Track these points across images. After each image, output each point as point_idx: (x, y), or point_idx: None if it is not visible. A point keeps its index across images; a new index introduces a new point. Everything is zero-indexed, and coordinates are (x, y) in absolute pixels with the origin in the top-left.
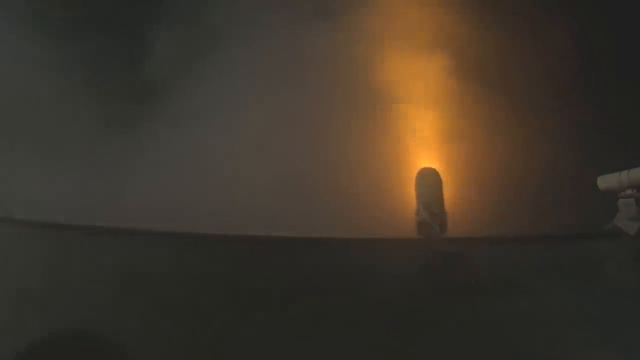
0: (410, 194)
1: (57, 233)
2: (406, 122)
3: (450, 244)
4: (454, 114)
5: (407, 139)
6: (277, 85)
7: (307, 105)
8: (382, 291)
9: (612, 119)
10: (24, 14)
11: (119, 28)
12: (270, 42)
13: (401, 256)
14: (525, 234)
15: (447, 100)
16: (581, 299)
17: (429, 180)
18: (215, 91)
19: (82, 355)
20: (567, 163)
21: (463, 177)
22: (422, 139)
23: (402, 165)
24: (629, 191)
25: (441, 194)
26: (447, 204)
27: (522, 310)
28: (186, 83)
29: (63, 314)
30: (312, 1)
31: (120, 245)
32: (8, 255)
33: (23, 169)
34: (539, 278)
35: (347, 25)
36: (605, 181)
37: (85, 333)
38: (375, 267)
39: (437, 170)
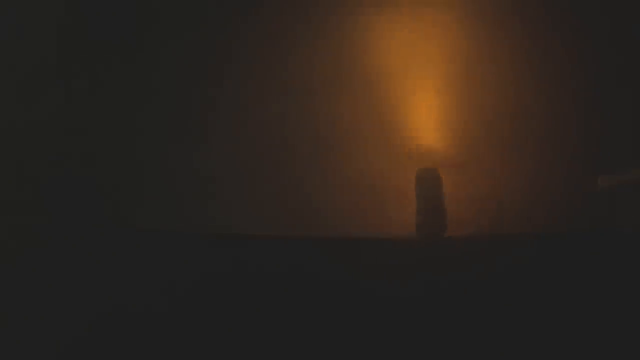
0: (410, 194)
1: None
2: (406, 121)
3: (450, 244)
4: (455, 110)
5: (407, 138)
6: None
7: (300, 100)
8: (381, 291)
9: (612, 119)
10: None
11: None
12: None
13: (401, 256)
14: (525, 234)
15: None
16: (580, 299)
17: (429, 180)
18: None
19: None
20: (567, 163)
21: (463, 177)
22: (422, 138)
23: (402, 165)
24: (628, 191)
25: (441, 194)
26: (447, 204)
27: (521, 310)
28: None
29: None
30: None
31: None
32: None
33: None
34: (538, 278)
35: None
36: (605, 181)
37: None
38: (375, 267)
39: (437, 170)
